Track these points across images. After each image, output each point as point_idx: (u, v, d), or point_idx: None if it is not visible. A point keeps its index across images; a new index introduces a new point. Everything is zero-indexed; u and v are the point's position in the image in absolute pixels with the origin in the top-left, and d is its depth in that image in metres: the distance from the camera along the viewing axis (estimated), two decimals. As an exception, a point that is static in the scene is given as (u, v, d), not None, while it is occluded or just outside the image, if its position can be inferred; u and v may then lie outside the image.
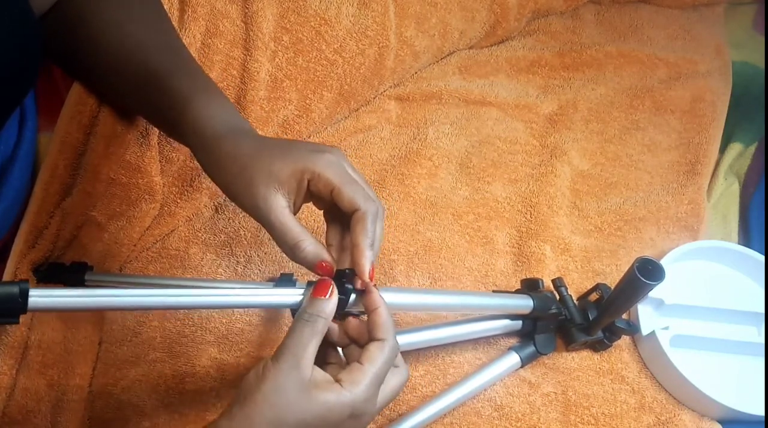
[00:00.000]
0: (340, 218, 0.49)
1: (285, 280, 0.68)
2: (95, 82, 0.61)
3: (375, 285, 0.46)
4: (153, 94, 0.53)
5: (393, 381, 0.45)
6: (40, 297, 0.39)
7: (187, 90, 0.51)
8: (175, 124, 0.51)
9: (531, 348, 0.67)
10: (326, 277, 0.45)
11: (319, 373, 0.43)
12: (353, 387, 0.42)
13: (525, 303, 0.64)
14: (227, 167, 0.47)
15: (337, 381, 0.42)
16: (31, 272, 0.64)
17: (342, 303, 0.45)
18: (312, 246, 0.45)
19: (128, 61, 0.54)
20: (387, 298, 0.49)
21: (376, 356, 0.43)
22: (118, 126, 0.64)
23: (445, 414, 0.64)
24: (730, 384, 0.68)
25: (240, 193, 0.46)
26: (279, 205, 0.45)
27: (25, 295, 0.39)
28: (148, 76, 0.53)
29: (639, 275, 0.59)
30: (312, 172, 0.46)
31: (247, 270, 0.72)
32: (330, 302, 0.44)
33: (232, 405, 0.42)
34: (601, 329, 0.68)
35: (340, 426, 0.42)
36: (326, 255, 0.46)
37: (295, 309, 0.46)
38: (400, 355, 0.47)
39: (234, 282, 0.70)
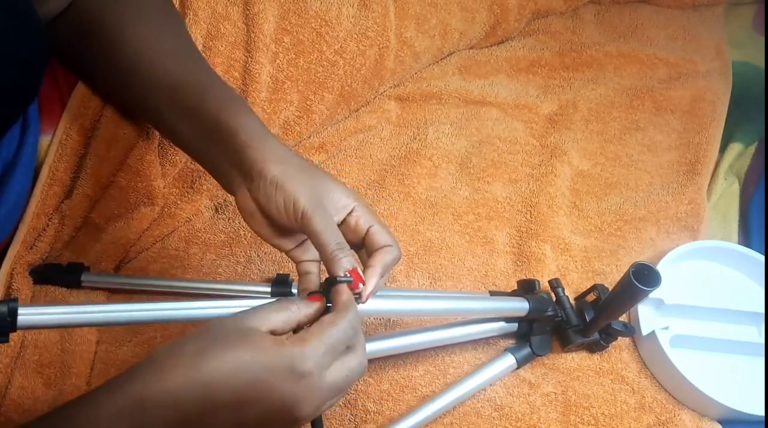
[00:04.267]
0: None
1: (281, 281, 0.68)
2: (108, 87, 0.62)
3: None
4: (187, 102, 0.53)
5: (348, 361, 0.43)
6: (29, 315, 0.39)
7: (230, 99, 0.53)
8: (217, 127, 0.51)
9: (527, 350, 0.67)
10: (320, 295, 0.47)
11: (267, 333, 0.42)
12: (297, 342, 0.40)
13: (520, 306, 0.63)
14: (295, 173, 0.50)
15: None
16: (27, 273, 0.64)
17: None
18: (350, 254, 0.48)
19: (154, 66, 0.54)
20: (382, 305, 0.51)
21: (326, 322, 0.42)
22: (120, 129, 0.64)
23: (445, 414, 0.64)
24: (730, 384, 0.68)
25: (301, 191, 0.49)
26: (331, 214, 0.50)
27: (13, 314, 0.39)
28: (180, 85, 0.53)
29: (635, 280, 0.59)
30: (359, 206, 0.51)
31: (247, 270, 0.72)
32: (312, 306, 0.45)
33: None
34: (597, 331, 0.68)
35: (279, 381, 0.39)
36: (358, 266, 0.49)
37: None
38: (361, 341, 0.45)
39: (233, 283, 0.70)
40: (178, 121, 0.55)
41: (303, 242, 0.54)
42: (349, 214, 0.51)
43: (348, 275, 0.47)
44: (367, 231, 0.51)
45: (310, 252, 0.53)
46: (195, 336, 0.40)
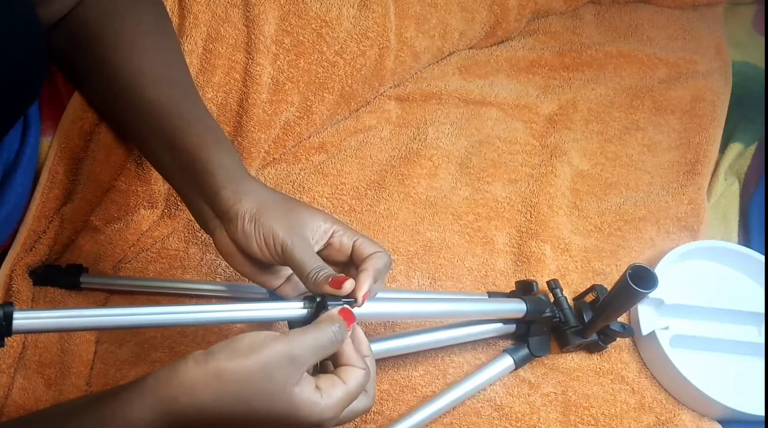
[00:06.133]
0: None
1: None
2: (99, 102, 0.62)
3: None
4: (169, 134, 0.54)
5: (358, 404, 0.46)
6: (24, 319, 0.39)
7: (211, 135, 0.54)
8: (195, 163, 0.52)
9: (524, 351, 0.67)
10: (349, 309, 0.47)
11: (308, 378, 0.43)
12: (328, 399, 0.42)
13: (518, 308, 0.63)
14: (271, 208, 0.51)
15: (317, 388, 0.43)
16: (26, 274, 0.64)
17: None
18: (330, 270, 0.49)
19: (143, 92, 0.54)
20: (378, 308, 0.52)
21: (353, 378, 0.44)
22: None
23: (444, 414, 0.64)
24: (730, 384, 0.68)
25: (279, 225, 0.50)
26: (310, 243, 0.52)
27: (9, 318, 0.39)
28: (164, 115, 0.54)
29: (631, 282, 0.59)
30: (339, 227, 0.53)
31: (248, 270, 0.72)
32: (347, 334, 0.46)
33: (212, 353, 0.41)
34: (595, 332, 0.68)
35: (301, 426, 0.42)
36: (338, 275, 0.49)
37: (292, 323, 0.48)
38: (373, 382, 0.48)
39: (232, 284, 0.70)
40: (161, 150, 0.55)
41: (289, 278, 0.55)
42: (332, 236, 0.53)
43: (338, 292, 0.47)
44: (353, 245, 0.52)
45: (299, 287, 0.55)
46: (235, 367, 0.41)
